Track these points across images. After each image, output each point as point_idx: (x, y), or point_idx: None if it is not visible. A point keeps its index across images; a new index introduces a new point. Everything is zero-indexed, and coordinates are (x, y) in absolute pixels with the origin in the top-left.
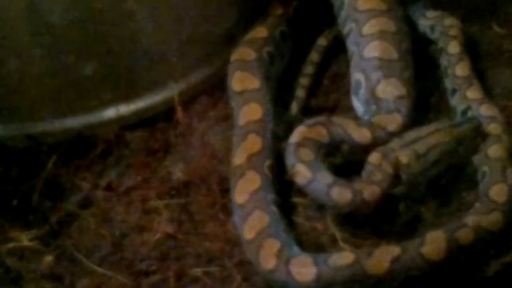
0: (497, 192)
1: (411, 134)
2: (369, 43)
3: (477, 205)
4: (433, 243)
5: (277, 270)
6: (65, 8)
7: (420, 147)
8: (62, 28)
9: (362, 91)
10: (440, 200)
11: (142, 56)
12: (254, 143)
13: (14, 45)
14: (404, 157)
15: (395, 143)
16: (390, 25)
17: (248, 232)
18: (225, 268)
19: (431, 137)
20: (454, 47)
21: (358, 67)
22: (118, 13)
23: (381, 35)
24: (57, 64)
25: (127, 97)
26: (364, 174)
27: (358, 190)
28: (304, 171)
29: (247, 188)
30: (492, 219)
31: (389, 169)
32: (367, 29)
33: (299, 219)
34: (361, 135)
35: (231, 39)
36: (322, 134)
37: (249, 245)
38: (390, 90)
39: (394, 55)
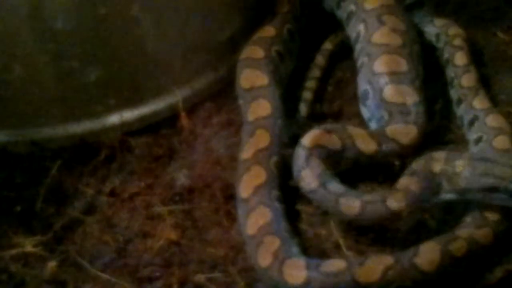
0: (491, 211)
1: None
2: (385, 86)
3: (467, 219)
4: (426, 253)
5: (271, 269)
6: (69, 14)
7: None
8: (66, 34)
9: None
10: (444, 207)
11: (146, 62)
12: (262, 138)
13: (18, 52)
14: (458, 168)
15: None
16: (401, 64)
17: (250, 227)
18: (228, 274)
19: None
20: (461, 59)
21: (381, 107)
22: (122, 19)
23: (394, 77)
24: (61, 70)
25: (131, 103)
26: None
27: (409, 189)
28: (352, 203)
29: (252, 182)
30: (483, 233)
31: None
32: (379, 67)
33: (303, 225)
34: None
35: (234, 46)
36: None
37: (250, 240)
38: (410, 138)
39: (413, 98)
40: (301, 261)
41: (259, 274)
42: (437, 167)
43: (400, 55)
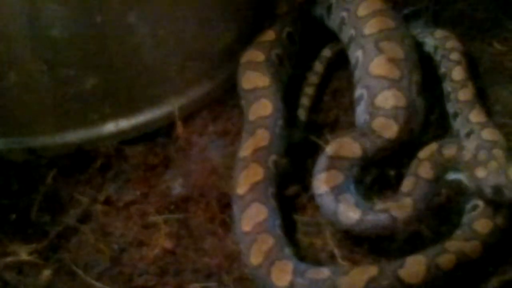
0: (481, 225)
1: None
2: (382, 120)
3: (458, 232)
4: (412, 266)
5: (261, 268)
6: (65, 22)
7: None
8: (63, 42)
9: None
10: (439, 217)
11: (142, 71)
12: (262, 137)
13: (14, 59)
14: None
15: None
16: (401, 100)
17: (245, 224)
18: (223, 283)
19: None
20: (458, 74)
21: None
22: (119, 27)
23: (394, 112)
24: (57, 78)
25: (127, 112)
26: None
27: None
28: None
29: (249, 179)
30: (472, 247)
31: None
32: (379, 102)
33: (298, 235)
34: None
35: (231, 55)
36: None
37: (245, 237)
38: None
39: (394, 134)
40: (289, 264)
41: (249, 271)
42: (450, 153)
43: (398, 89)
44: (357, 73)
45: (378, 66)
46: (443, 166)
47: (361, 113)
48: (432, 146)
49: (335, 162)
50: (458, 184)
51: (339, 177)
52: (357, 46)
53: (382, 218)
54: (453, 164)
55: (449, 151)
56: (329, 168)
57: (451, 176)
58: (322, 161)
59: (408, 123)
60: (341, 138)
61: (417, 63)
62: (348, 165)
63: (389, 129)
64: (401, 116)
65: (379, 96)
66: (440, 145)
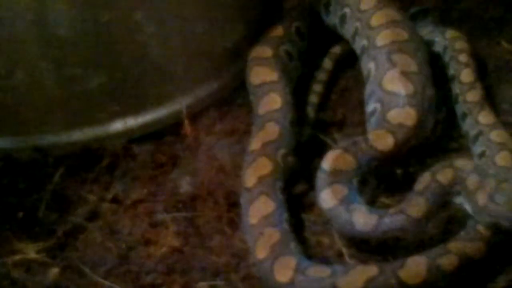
0: (485, 227)
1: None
2: (381, 132)
3: (462, 233)
4: (412, 267)
5: (265, 262)
6: (72, 21)
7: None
8: (70, 41)
9: None
10: (447, 216)
11: (149, 69)
12: (272, 131)
13: (21, 57)
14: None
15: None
16: (411, 119)
17: (252, 217)
18: (231, 282)
19: None
20: (467, 76)
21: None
22: (125, 26)
23: (398, 128)
24: (64, 77)
25: (135, 110)
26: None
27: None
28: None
29: (256, 172)
30: (475, 247)
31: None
32: (390, 117)
33: (305, 233)
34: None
35: (238, 53)
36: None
37: (251, 230)
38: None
39: (402, 151)
40: (293, 260)
41: (255, 263)
42: (471, 182)
43: (411, 106)
44: (369, 87)
45: (391, 80)
46: (459, 186)
47: (373, 126)
48: (469, 163)
49: (334, 176)
50: (462, 209)
51: (343, 190)
52: (369, 57)
53: (400, 219)
54: (467, 193)
55: (473, 180)
56: (330, 183)
57: (460, 200)
58: (322, 178)
59: (408, 141)
60: (333, 151)
61: (430, 77)
62: (347, 177)
63: (384, 142)
64: (403, 134)
65: (392, 111)
66: (474, 167)
